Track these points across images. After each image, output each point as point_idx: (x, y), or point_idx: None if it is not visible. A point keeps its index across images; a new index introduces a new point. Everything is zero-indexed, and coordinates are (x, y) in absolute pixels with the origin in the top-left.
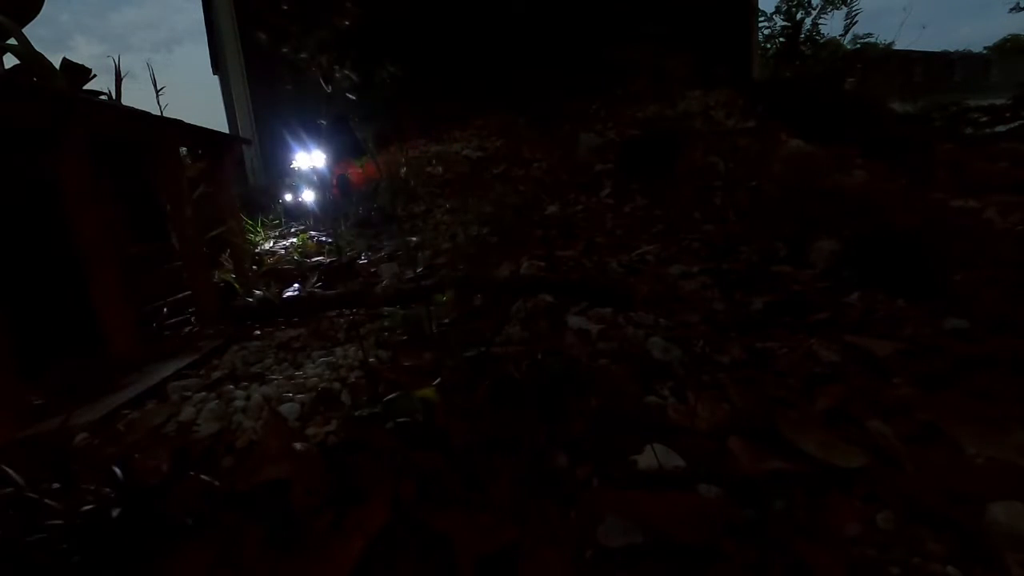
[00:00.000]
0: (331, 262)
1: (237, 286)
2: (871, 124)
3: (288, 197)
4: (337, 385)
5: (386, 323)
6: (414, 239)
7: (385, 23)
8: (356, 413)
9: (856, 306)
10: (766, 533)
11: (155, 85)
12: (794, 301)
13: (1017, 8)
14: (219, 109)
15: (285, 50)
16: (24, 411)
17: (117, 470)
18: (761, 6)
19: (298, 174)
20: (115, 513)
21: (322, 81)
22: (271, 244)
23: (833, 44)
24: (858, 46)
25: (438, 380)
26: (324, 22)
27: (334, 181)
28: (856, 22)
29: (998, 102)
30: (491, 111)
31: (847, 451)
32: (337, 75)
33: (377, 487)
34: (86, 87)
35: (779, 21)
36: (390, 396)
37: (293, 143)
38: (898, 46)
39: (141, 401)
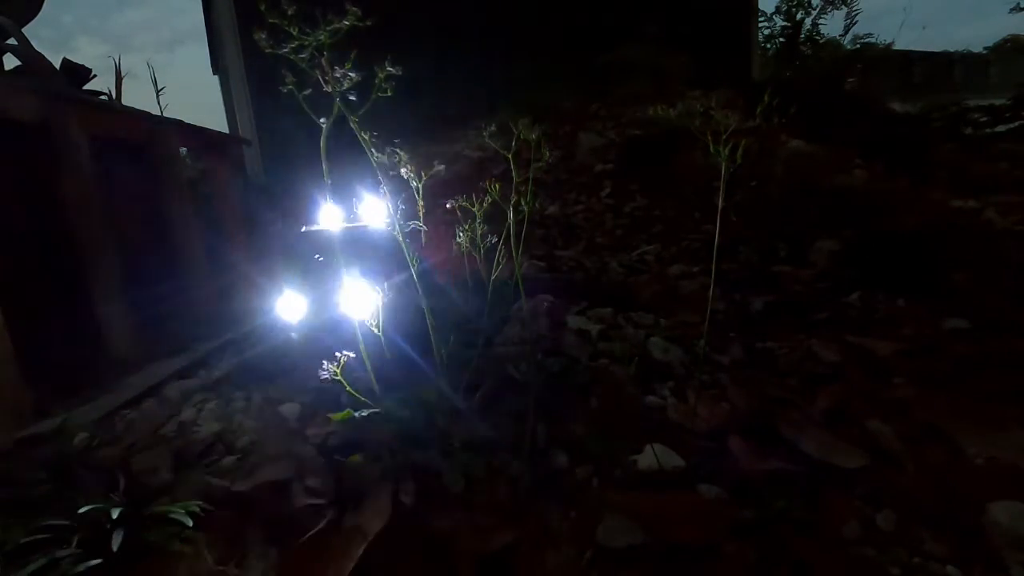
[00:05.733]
0: None
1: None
2: (871, 124)
3: None
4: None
5: None
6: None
7: (386, 23)
8: (356, 413)
9: (856, 306)
10: (766, 533)
11: (155, 85)
12: (794, 301)
13: (1017, 8)
14: (219, 109)
15: (285, 50)
16: (24, 411)
17: (117, 471)
18: (761, 6)
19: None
20: (115, 514)
21: (322, 81)
22: None
23: (833, 44)
24: (858, 46)
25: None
26: (325, 22)
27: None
28: (856, 22)
29: (998, 102)
30: (491, 111)
31: (847, 451)
32: (338, 75)
33: (377, 487)
34: (86, 87)
35: (779, 21)
36: (390, 397)
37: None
38: (898, 46)
39: (141, 401)
